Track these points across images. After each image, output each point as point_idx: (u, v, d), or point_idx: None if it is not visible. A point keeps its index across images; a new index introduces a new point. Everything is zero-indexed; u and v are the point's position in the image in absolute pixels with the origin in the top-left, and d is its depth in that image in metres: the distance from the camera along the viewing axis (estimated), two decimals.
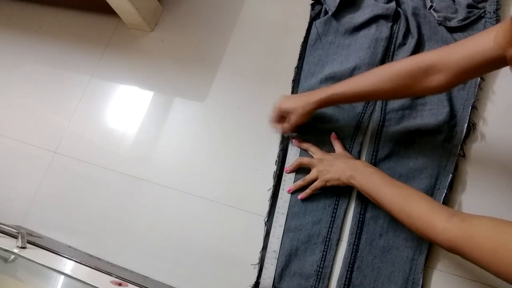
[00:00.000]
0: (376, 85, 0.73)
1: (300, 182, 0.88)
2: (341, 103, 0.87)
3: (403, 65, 0.70)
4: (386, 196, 0.71)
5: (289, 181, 0.90)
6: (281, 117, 0.89)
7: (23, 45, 1.24)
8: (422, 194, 0.68)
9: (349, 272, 0.82)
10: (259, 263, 0.87)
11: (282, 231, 0.88)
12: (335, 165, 0.83)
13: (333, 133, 0.90)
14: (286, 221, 0.88)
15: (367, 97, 0.82)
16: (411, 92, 0.71)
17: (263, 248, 0.88)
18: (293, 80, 0.98)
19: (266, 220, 0.89)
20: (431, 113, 0.86)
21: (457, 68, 0.63)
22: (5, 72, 1.23)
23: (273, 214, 0.89)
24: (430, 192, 0.82)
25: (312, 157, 0.89)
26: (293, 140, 0.92)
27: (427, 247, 0.79)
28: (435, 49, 0.67)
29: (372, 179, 0.75)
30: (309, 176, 0.86)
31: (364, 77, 0.76)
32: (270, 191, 0.91)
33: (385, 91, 0.73)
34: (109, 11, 1.11)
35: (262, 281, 0.86)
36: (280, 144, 0.94)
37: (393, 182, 0.73)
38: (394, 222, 0.82)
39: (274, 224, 0.88)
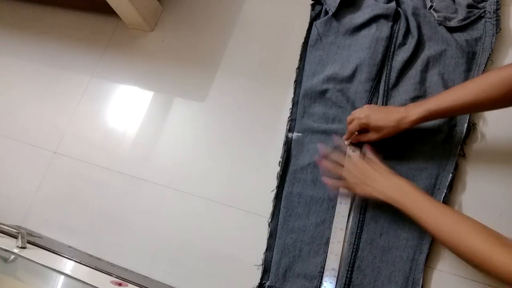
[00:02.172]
0: (479, 95, 0.69)
1: (333, 169, 0.85)
2: (438, 118, 0.81)
3: (509, 70, 0.66)
4: (433, 222, 0.67)
5: (344, 209, 0.86)
6: (360, 129, 0.83)
7: (23, 45, 1.24)
8: (474, 222, 0.64)
9: (349, 272, 0.82)
10: (262, 264, 0.87)
11: (341, 247, 0.84)
12: (371, 178, 0.78)
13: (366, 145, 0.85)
14: (289, 221, 0.88)
15: (470, 109, 0.77)
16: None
17: (267, 249, 0.87)
18: (295, 81, 0.98)
19: (269, 221, 0.89)
20: None
21: None
22: (5, 72, 1.23)
23: (277, 215, 0.89)
24: (430, 192, 0.82)
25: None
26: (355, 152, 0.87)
27: (427, 247, 0.79)
28: None
29: (418, 202, 0.71)
30: (342, 173, 0.83)
31: (465, 88, 0.71)
32: (274, 192, 0.91)
33: (490, 100, 0.68)
34: (109, 11, 1.11)
35: None
36: (284, 145, 0.93)
37: (441, 207, 0.69)
38: (395, 221, 0.82)
39: (332, 240, 0.84)
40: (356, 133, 0.84)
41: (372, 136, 0.81)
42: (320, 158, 0.88)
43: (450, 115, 0.80)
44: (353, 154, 0.86)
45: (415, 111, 0.75)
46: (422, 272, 0.78)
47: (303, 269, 0.85)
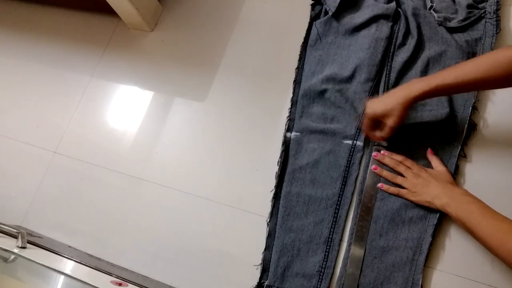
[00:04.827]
0: (486, 73, 0.67)
1: (390, 177, 0.83)
2: (442, 95, 0.81)
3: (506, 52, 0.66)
4: (485, 229, 0.66)
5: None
6: (374, 125, 0.82)
7: (23, 45, 1.24)
8: None
9: (349, 274, 0.82)
10: (261, 263, 0.87)
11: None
12: (431, 187, 0.77)
13: (429, 149, 0.84)
14: (287, 221, 0.88)
15: (475, 87, 0.76)
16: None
17: (265, 249, 0.88)
18: (295, 81, 0.98)
19: (268, 220, 0.89)
20: (431, 114, 0.86)
21: None
22: (5, 72, 1.23)
23: (275, 214, 0.89)
24: None
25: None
26: (381, 152, 0.85)
27: (427, 248, 0.79)
28: None
29: (470, 210, 0.70)
30: (400, 181, 0.81)
31: (470, 65, 0.70)
32: (273, 192, 0.91)
33: (496, 80, 0.68)
34: (109, 11, 1.11)
35: None
36: (282, 144, 0.94)
37: (494, 215, 0.68)
38: (395, 222, 0.82)
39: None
40: (380, 133, 0.82)
41: (388, 123, 0.78)
42: (377, 166, 0.86)
43: (453, 91, 0.79)
44: (409, 163, 0.83)
45: (416, 87, 0.73)
46: (421, 272, 0.78)
47: (302, 268, 0.85)
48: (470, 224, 0.69)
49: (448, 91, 0.74)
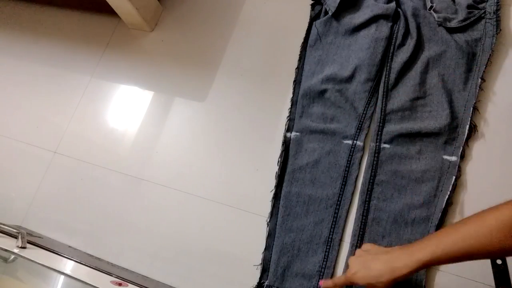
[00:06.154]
0: (477, 241, 0.55)
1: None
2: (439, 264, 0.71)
3: (503, 214, 0.54)
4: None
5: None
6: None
7: (23, 45, 1.24)
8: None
9: None
10: (261, 263, 0.87)
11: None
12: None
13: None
14: (287, 221, 0.88)
15: (468, 257, 0.58)
16: None
17: (265, 249, 0.88)
18: (294, 81, 0.98)
19: (268, 220, 0.89)
20: (431, 115, 0.86)
21: None
22: (5, 72, 1.23)
23: (275, 214, 0.89)
24: (433, 193, 0.82)
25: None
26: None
27: None
28: None
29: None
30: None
31: (460, 232, 0.57)
32: (273, 192, 0.91)
33: (489, 248, 0.55)
34: (109, 11, 1.11)
35: None
36: (282, 144, 0.94)
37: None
38: (397, 223, 0.82)
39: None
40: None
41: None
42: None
43: (453, 262, 0.61)
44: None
45: (410, 261, 0.60)
46: (425, 273, 0.78)
47: (302, 268, 0.85)
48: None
49: (444, 262, 0.61)
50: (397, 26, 0.94)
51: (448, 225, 0.62)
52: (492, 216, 0.55)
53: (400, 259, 0.61)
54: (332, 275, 0.83)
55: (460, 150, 0.83)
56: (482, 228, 0.55)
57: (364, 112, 0.91)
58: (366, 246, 0.72)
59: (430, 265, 0.60)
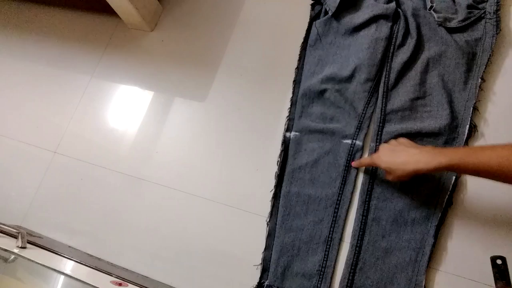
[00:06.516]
0: (502, 165, 0.61)
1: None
2: (458, 172, 0.78)
3: None
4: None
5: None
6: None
7: (23, 45, 1.24)
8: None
9: (351, 274, 0.82)
10: (261, 263, 0.87)
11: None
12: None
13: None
14: (287, 220, 0.88)
15: (491, 177, 0.65)
16: None
17: (265, 249, 0.88)
18: (294, 81, 0.98)
19: (268, 220, 0.89)
20: (431, 115, 0.86)
21: None
22: (5, 72, 1.23)
23: (275, 214, 0.90)
24: (433, 193, 0.82)
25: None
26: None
27: (429, 249, 0.79)
28: None
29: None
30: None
31: (492, 151, 0.63)
32: (272, 192, 0.91)
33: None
34: (109, 11, 1.11)
35: None
36: (282, 144, 0.94)
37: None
38: (397, 223, 0.82)
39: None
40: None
41: (387, 175, 0.77)
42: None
43: (469, 173, 0.70)
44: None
45: (434, 159, 0.69)
46: (424, 273, 0.78)
47: (302, 268, 0.85)
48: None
49: (463, 171, 0.71)
50: (397, 26, 0.94)
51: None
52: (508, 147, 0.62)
53: (425, 157, 0.70)
54: (333, 275, 0.83)
55: None
56: (496, 152, 0.62)
57: (364, 112, 0.91)
58: (401, 139, 0.81)
59: (449, 169, 0.68)
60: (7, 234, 0.86)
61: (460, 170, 0.67)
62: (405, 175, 0.73)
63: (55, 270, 0.78)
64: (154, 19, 1.15)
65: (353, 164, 0.88)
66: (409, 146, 0.77)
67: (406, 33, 0.93)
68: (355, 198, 0.87)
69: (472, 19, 0.90)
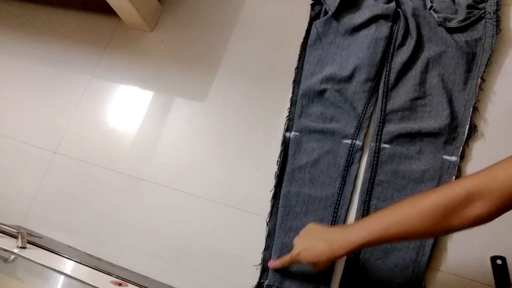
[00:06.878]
0: (408, 226, 0.60)
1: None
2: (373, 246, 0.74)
3: (431, 200, 0.58)
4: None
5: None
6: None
7: (23, 45, 1.24)
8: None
9: (351, 273, 0.82)
10: (261, 263, 0.87)
11: None
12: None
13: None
14: (287, 220, 0.88)
15: (402, 239, 0.66)
16: (447, 229, 0.59)
17: (265, 249, 0.88)
18: (294, 81, 0.98)
19: (267, 220, 0.89)
20: (431, 115, 0.86)
21: (503, 194, 0.55)
22: (5, 72, 1.23)
23: (275, 214, 0.90)
24: None
25: None
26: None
27: (430, 249, 0.79)
28: (468, 177, 0.59)
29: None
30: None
31: (394, 216, 0.62)
32: (272, 192, 0.91)
33: (419, 231, 0.60)
34: (109, 11, 1.11)
35: None
36: (281, 144, 0.94)
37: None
38: None
39: None
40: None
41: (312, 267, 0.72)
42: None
43: (384, 243, 0.67)
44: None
45: (344, 243, 0.65)
46: (424, 273, 0.78)
47: (301, 268, 0.85)
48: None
49: (376, 244, 0.65)
50: (397, 26, 0.94)
51: (386, 208, 0.65)
52: (421, 202, 0.59)
53: (338, 241, 0.67)
54: (332, 275, 0.83)
55: (460, 150, 0.83)
56: (412, 214, 0.59)
57: (363, 112, 0.91)
58: (309, 226, 0.76)
59: (364, 247, 0.68)
60: (7, 234, 0.86)
61: (380, 243, 0.64)
62: (329, 264, 0.69)
63: (55, 270, 0.78)
64: (154, 19, 1.15)
65: (270, 265, 0.83)
66: (320, 233, 0.72)
67: (406, 33, 0.93)
68: (355, 198, 0.87)
69: (472, 19, 0.90)
